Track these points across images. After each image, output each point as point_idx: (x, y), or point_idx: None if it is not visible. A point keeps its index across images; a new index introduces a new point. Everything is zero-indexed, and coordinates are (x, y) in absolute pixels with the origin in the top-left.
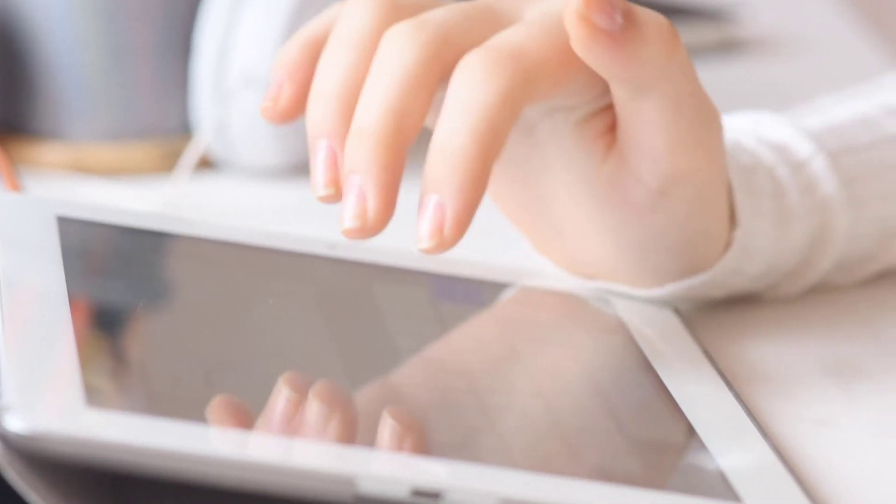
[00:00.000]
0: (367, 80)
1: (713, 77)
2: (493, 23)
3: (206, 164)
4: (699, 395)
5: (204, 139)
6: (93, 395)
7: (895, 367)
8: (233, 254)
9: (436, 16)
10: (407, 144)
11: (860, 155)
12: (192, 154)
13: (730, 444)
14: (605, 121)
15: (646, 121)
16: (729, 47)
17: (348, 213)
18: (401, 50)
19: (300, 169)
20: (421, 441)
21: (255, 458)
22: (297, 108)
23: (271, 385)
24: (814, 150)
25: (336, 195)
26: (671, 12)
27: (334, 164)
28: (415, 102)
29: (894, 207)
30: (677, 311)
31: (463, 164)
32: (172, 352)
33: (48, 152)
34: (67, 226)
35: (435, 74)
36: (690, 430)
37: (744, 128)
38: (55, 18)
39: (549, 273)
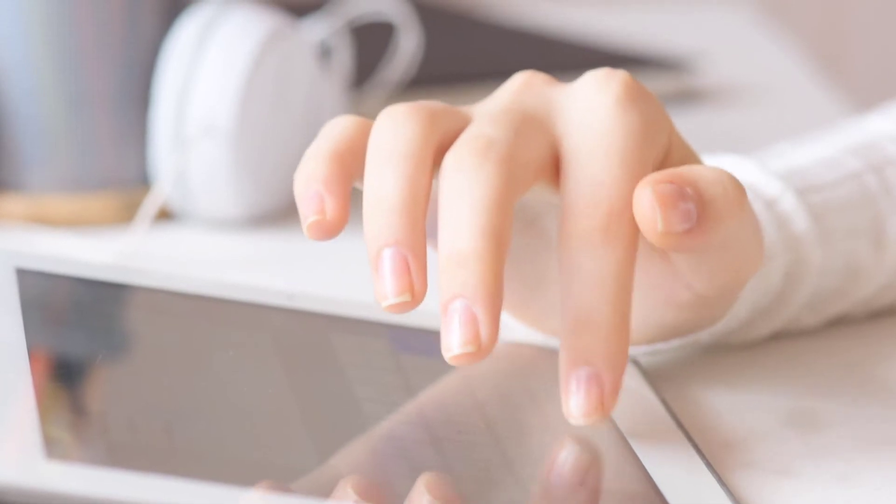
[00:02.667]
0: (447, 204)
1: None
2: (541, 135)
3: (164, 214)
4: (658, 446)
5: (163, 190)
6: (52, 447)
7: (853, 418)
8: (192, 305)
9: (493, 133)
10: (504, 267)
11: (825, 192)
12: (150, 205)
13: (689, 496)
14: None
15: (710, 260)
16: (688, 97)
17: (458, 339)
18: (479, 173)
19: (259, 220)
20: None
21: None
22: (343, 219)
23: (231, 436)
24: (782, 187)
25: (411, 304)
26: (630, 62)
27: (407, 272)
28: (506, 223)
29: (859, 243)
30: (636, 363)
31: (615, 335)
32: (132, 403)
33: (6, 203)
34: (26, 278)
35: (514, 193)
36: (649, 482)
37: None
38: (13, 68)
39: (509, 323)
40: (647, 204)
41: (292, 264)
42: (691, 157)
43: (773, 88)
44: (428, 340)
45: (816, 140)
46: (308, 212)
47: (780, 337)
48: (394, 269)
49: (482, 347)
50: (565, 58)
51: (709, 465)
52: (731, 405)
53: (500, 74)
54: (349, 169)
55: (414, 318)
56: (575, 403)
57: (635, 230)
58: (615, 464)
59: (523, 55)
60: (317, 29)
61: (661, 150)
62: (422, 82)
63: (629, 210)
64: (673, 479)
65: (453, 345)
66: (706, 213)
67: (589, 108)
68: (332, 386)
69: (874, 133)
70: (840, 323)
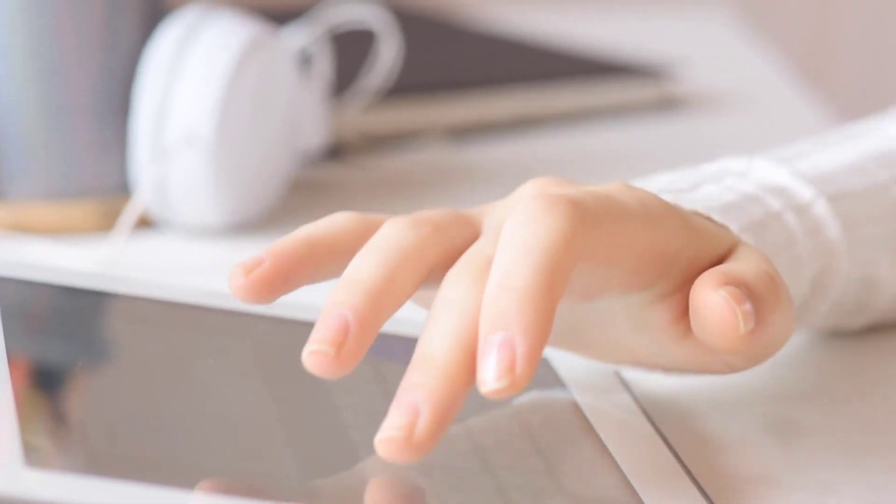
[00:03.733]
0: (434, 310)
1: (652, 134)
2: (464, 228)
3: (144, 222)
4: (639, 454)
5: (143, 198)
6: (32, 455)
7: (834, 426)
8: (172, 312)
9: (492, 254)
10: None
11: (854, 201)
12: (131, 213)
13: (669, 503)
14: (678, 303)
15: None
16: (668, 105)
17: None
18: (469, 292)
19: (239, 227)
20: (362, 500)
21: None
22: (267, 287)
23: (211, 444)
24: (814, 193)
25: (334, 360)
26: (611, 70)
27: (344, 330)
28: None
29: (881, 255)
30: (618, 375)
31: (532, 300)
32: (112, 411)
33: None
34: (6, 285)
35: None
36: (629, 489)
37: (738, 169)
38: None
39: None
40: (724, 305)
41: None
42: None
43: (754, 96)
44: (408, 348)
45: (840, 143)
46: (243, 264)
47: None
48: (334, 324)
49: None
50: (546, 66)
51: (688, 471)
52: (712, 411)
53: (480, 82)
54: (314, 256)
55: (394, 326)
56: (483, 368)
57: (580, 211)
58: (594, 469)
59: (504, 63)
60: (297, 37)
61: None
62: (402, 90)
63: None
64: (652, 486)
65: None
66: (761, 312)
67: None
68: (311, 394)
69: None
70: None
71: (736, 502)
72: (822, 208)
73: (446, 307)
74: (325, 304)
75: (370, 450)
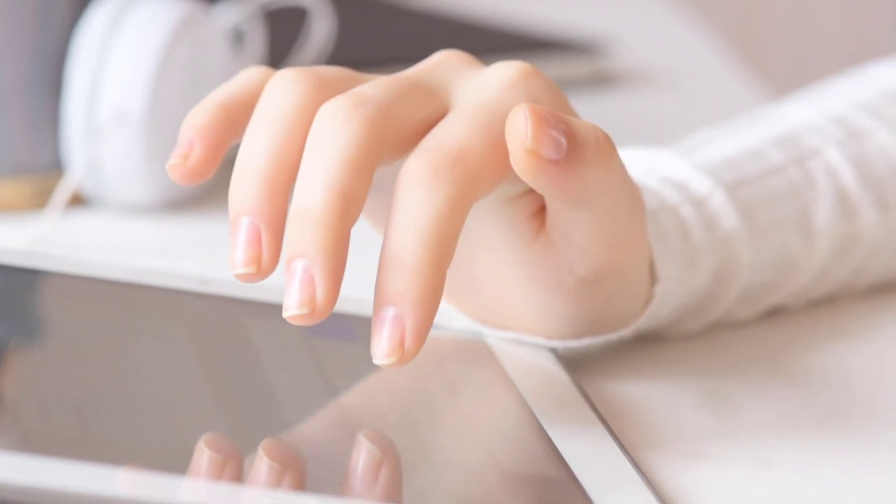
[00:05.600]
0: (305, 159)
1: (586, 110)
2: (427, 100)
3: (77, 200)
4: (574, 431)
5: (75, 176)
6: None
7: (767, 401)
8: (105, 290)
9: (370, 92)
10: (352, 227)
11: (753, 187)
12: (63, 191)
13: (604, 479)
14: (535, 203)
15: (580, 225)
16: (601, 80)
17: (295, 299)
18: (341, 129)
19: (172, 205)
20: (295, 477)
21: (128, 494)
22: (206, 169)
23: (144, 421)
24: (712, 185)
25: (256, 275)
26: (544, 46)
27: (257, 242)
28: (359, 183)
29: (789, 236)
30: (552, 349)
31: (420, 277)
32: (44, 389)
33: None
34: None
35: (376, 154)
36: (564, 466)
37: (641, 164)
38: None
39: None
40: (520, 119)
41: (205, 249)
42: None
43: (688, 72)
44: (341, 325)
45: (738, 129)
46: (174, 155)
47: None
48: (245, 238)
49: (317, 310)
50: (479, 42)
51: (623, 448)
52: (646, 388)
53: (413, 59)
54: (234, 120)
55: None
56: (376, 343)
57: (472, 181)
58: (529, 448)
59: (437, 40)
60: (229, 14)
61: None
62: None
63: (471, 161)
64: (587, 463)
65: (290, 305)
66: (575, 151)
67: (482, 85)
68: (245, 371)
69: (795, 123)
70: (776, 313)
71: (670, 477)
72: (718, 200)
73: (317, 152)
74: (229, 203)
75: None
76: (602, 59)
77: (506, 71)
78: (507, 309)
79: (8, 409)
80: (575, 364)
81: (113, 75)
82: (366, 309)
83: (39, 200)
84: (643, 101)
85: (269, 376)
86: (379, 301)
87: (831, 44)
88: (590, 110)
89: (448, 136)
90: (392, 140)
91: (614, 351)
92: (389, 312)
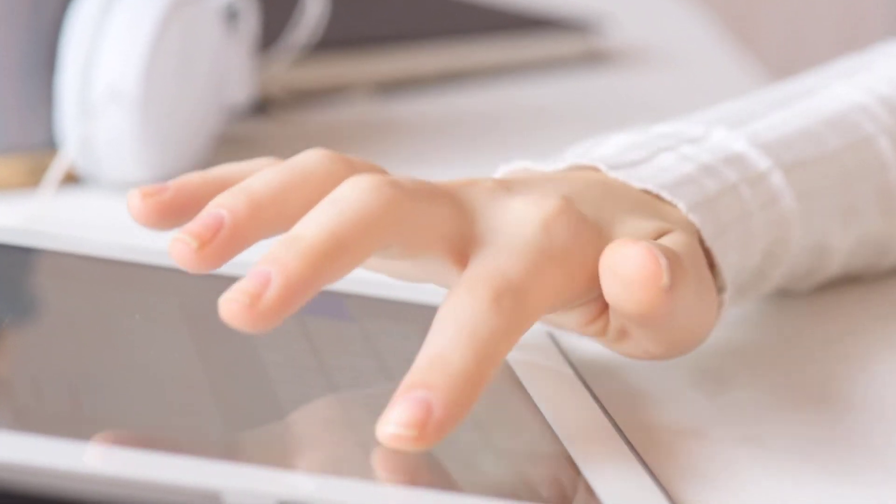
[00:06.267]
0: (321, 203)
1: (578, 89)
2: (455, 216)
3: (71, 178)
4: (565, 407)
5: (69, 154)
6: None
7: (760, 379)
8: (98, 268)
9: (408, 183)
10: (332, 277)
11: (808, 170)
12: (57, 169)
13: (596, 456)
14: (595, 308)
15: (651, 339)
16: (594, 59)
17: (242, 286)
18: (363, 195)
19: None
20: (288, 455)
21: (121, 473)
22: (162, 212)
23: (137, 400)
24: (771, 164)
25: (199, 252)
26: (537, 24)
27: (216, 228)
28: (356, 243)
29: (833, 223)
30: (548, 330)
31: (461, 378)
32: (38, 367)
33: None
34: None
35: (385, 234)
36: (556, 443)
37: (694, 134)
38: None
39: (417, 287)
40: (645, 253)
41: None
42: None
43: (681, 51)
44: (335, 304)
45: (788, 103)
46: (143, 190)
47: None
48: (209, 220)
49: (259, 307)
50: (473, 20)
51: (616, 425)
52: (639, 366)
53: (407, 37)
54: (211, 191)
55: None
56: (396, 412)
57: (526, 314)
58: (525, 426)
59: (431, 18)
60: None
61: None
62: (328, 45)
63: (528, 295)
64: (579, 439)
65: (235, 289)
66: (675, 276)
67: (516, 220)
68: (239, 349)
69: (846, 103)
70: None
71: (663, 456)
72: (777, 179)
73: (324, 203)
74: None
75: (296, 406)
76: (595, 38)
77: (539, 208)
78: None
79: (2, 387)
80: (567, 341)
81: (106, 54)
82: (358, 287)
83: (33, 179)
84: (636, 80)
85: (262, 355)
86: (411, 382)
87: (824, 22)
88: (583, 89)
89: (499, 266)
90: (407, 233)
91: None
92: (419, 393)
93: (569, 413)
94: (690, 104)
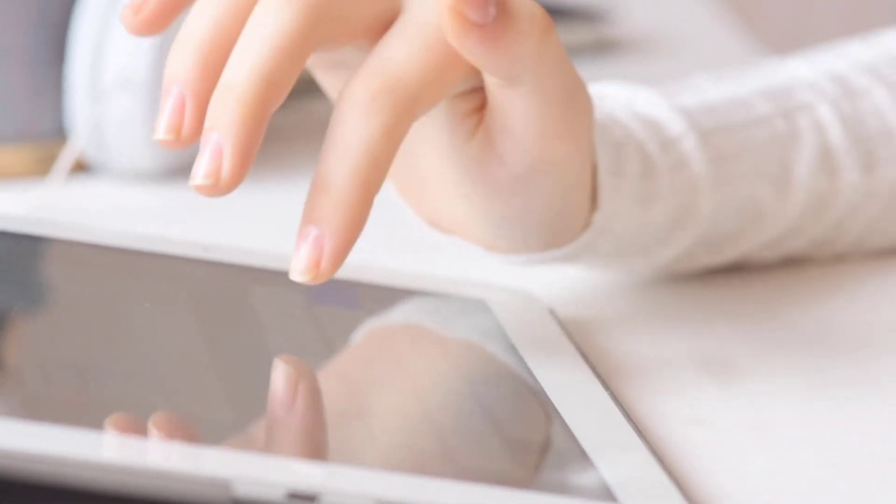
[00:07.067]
0: (240, 38)
1: (587, 77)
2: (371, 1)
3: (80, 167)
4: (575, 395)
5: (78, 142)
6: None
7: (768, 364)
8: (108, 257)
9: None
10: (272, 110)
11: (730, 134)
12: (66, 157)
13: (606, 445)
14: (475, 100)
15: (516, 109)
16: (603, 47)
17: (202, 169)
18: (279, 14)
19: (175, 171)
20: (297, 443)
21: (131, 461)
22: (154, 24)
23: (146, 388)
24: (685, 128)
25: (175, 143)
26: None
27: (181, 112)
28: (287, 69)
29: (760, 187)
30: (552, 311)
31: (345, 202)
32: (47, 356)
33: None
34: None
35: (310, 45)
36: (566, 431)
37: (619, 98)
38: None
39: (425, 275)
40: None
41: (208, 216)
42: None
43: (690, 39)
44: (345, 292)
45: (731, 78)
46: (129, 4)
47: (691, 280)
48: (171, 107)
49: (220, 184)
50: None
51: (625, 412)
52: (646, 353)
53: None
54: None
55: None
56: (294, 259)
57: (407, 108)
58: (531, 413)
59: None
60: None
61: None
62: None
63: (408, 87)
64: (589, 428)
65: (197, 174)
66: (503, 18)
67: None
68: (247, 338)
69: (791, 77)
70: (751, 267)
71: (672, 442)
72: (689, 143)
73: (250, 32)
74: (165, 72)
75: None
76: (604, 26)
77: None
78: (450, 212)
79: (10, 375)
80: (575, 327)
81: (116, 41)
82: (367, 276)
83: (42, 167)
84: (645, 68)
85: (271, 342)
86: (304, 219)
87: (833, 11)
88: (592, 77)
89: (389, 58)
90: (332, 32)
91: (614, 314)
92: (312, 232)
93: (577, 399)
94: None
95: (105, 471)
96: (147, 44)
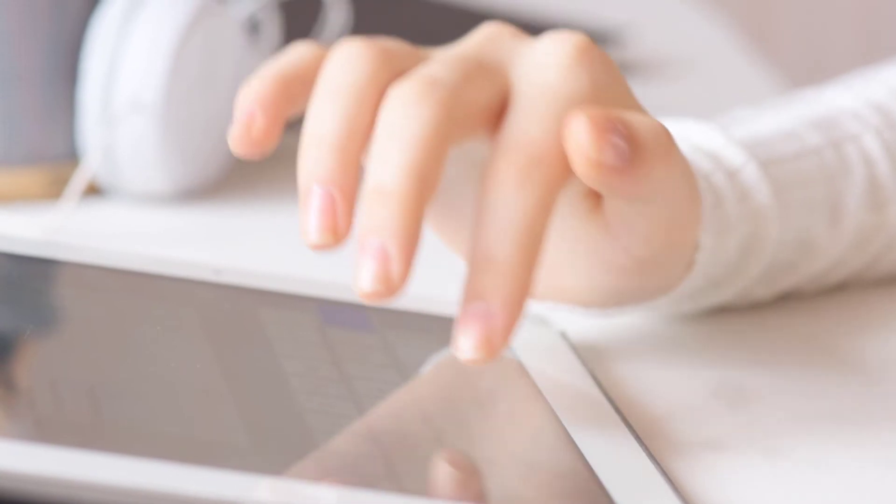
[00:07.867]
0: (379, 138)
1: None
2: (490, 82)
3: (93, 189)
4: (586, 418)
5: (91, 165)
6: None
7: (782, 390)
8: (119, 280)
9: (440, 75)
10: (426, 208)
11: (786, 165)
12: (79, 180)
13: (619, 470)
14: None
15: (641, 215)
16: None
17: (369, 275)
18: (416, 111)
19: (187, 195)
20: (311, 468)
21: (142, 484)
22: (270, 139)
23: (158, 411)
24: (746, 158)
25: (332, 245)
26: None
27: (332, 212)
28: (436, 165)
29: (815, 218)
30: (566, 337)
31: (513, 275)
32: (59, 379)
33: None
34: None
35: (452, 138)
36: (580, 457)
37: (673, 132)
38: None
39: (439, 299)
40: (580, 129)
41: (220, 239)
42: None
43: (702, 61)
44: (356, 315)
45: (777, 109)
46: (236, 126)
47: (726, 310)
48: (320, 207)
49: (391, 286)
50: None
51: (638, 438)
52: (661, 378)
53: (428, 46)
54: (292, 94)
55: (342, 293)
56: (462, 338)
57: (556, 180)
58: (546, 441)
59: (453, 30)
60: (245, 3)
61: None
62: None
63: (553, 160)
64: (602, 454)
65: (364, 283)
66: (637, 154)
67: (541, 64)
68: (259, 361)
69: (834, 107)
70: (788, 297)
71: (684, 466)
72: (752, 172)
73: (392, 133)
74: (298, 173)
75: (318, 416)
76: (616, 49)
77: (562, 49)
78: (553, 280)
79: (22, 398)
80: (588, 353)
81: (128, 64)
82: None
83: (54, 190)
84: (658, 91)
85: (283, 366)
86: (468, 296)
87: (846, 30)
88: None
89: (526, 134)
90: (462, 122)
91: (626, 339)
92: (480, 308)
93: (588, 422)
94: (712, 115)
95: (117, 494)
96: (159, 67)
